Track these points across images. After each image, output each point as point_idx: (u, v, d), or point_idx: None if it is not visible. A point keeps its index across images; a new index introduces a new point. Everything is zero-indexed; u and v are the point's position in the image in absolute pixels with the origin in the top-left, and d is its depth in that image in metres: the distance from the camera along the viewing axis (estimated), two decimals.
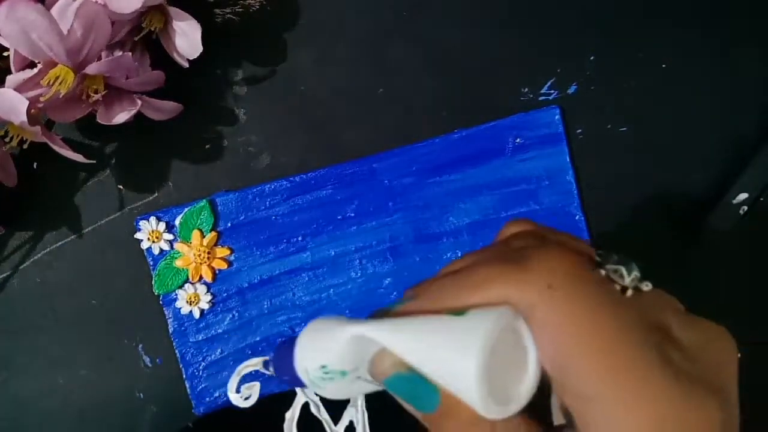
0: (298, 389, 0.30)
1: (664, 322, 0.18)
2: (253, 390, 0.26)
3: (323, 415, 0.26)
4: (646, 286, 0.19)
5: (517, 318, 0.18)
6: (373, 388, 0.22)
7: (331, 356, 0.21)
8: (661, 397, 0.16)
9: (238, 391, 0.26)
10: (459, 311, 0.18)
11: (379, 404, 0.24)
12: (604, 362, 0.16)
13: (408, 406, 0.20)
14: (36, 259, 0.40)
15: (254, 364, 0.26)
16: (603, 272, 0.18)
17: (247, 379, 0.26)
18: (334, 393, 0.22)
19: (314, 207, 0.39)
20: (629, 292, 0.18)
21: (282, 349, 0.23)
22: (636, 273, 0.18)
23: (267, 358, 0.25)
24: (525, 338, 0.18)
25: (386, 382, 0.20)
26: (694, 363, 0.17)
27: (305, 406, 0.26)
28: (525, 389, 0.18)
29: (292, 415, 0.26)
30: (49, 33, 0.30)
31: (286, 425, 0.25)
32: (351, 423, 0.33)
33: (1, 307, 0.40)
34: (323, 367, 0.21)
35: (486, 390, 0.17)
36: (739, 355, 0.18)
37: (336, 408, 0.34)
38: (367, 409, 0.25)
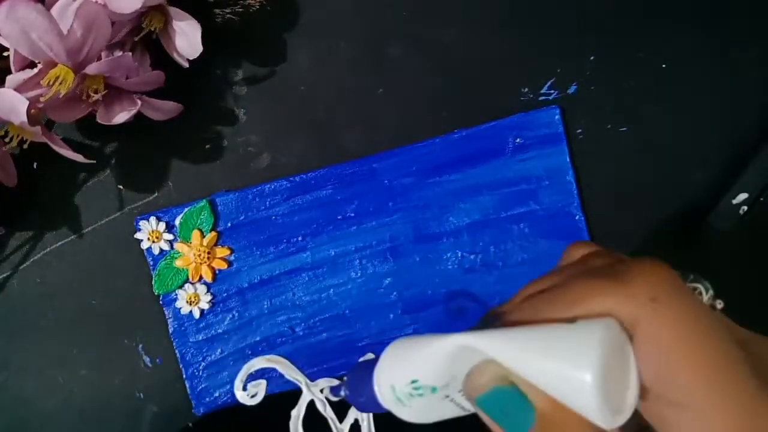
0: (303, 388, 0.30)
1: (741, 337, 0.18)
2: (260, 388, 0.26)
3: (329, 413, 0.26)
4: (720, 304, 0.19)
5: (621, 330, 0.18)
6: (454, 412, 0.21)
7: (426, 369, 0.20)
8: (750, 407, 0.17)
9: (244, 389, 0.26)
10: (568, 321, 0.18)
11: None
12: (705, 372, 0.17)
13: (496, 428, 0.19)
14: (36, 259, 0.40)
15: (260, 363, 0.26)
16: None
17: (252, 378, 0.26)
18: (415, 413, 0.21)
19: (314, 207, 0.39)
20: None
21: (359, 369, 0.23)
22: (712, 291, 0.19)
23: (335, 383, 0.24)
24: (627, 350, 0.18)
25: (482, 398, 0.19)
26: None
27: (311, 404, 0.26)
28: (631, 399, 0.18)
29: (298, 413, 0.26)
30: (49, 33, 0.30)
31: (291, 422, 0.25)
32: (356, 421, 0.33)
33: (1, 307, 0.40)
34: (414, 381, 0.20)
35: (604, 398, 0.17)
36: None
37: (341, 407, 0.34)
38: None
